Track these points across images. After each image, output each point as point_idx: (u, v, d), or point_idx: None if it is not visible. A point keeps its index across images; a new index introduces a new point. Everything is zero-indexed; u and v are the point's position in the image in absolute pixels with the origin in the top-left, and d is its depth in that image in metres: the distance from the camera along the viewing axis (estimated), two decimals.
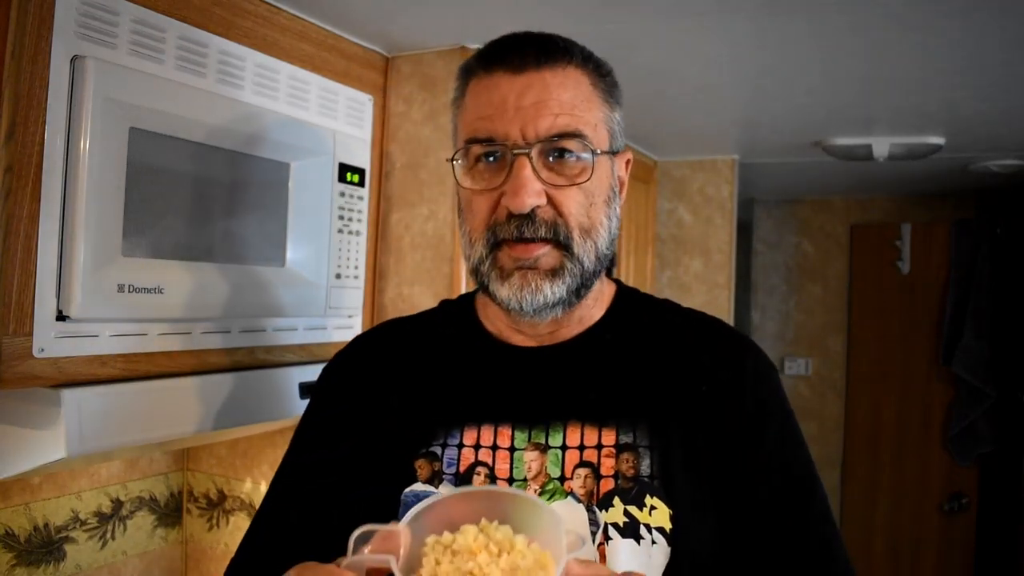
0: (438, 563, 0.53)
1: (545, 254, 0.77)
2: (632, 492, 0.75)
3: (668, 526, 0.74)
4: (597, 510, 0.74)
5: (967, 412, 3.17)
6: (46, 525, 1.26)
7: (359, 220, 1.32)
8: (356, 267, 1.32)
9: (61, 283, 0.88)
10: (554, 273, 0.77)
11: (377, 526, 0.54)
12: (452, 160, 0.81)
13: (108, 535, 1.37)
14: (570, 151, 0.77)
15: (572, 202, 0.77)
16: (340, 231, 1.28)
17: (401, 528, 0.55)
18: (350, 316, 1.32)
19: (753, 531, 0.77)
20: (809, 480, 0.81)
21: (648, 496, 0.74)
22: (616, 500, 0.74)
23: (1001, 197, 3.23)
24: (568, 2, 1.21)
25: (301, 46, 1.23)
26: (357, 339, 0.95)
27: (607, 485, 0.75)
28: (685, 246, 2.63)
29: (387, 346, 0.90)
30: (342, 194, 1.27)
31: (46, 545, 1.26)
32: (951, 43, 1.36)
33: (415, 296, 1.42)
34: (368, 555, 0.53)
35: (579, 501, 0.75)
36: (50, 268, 0.88)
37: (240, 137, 1.08)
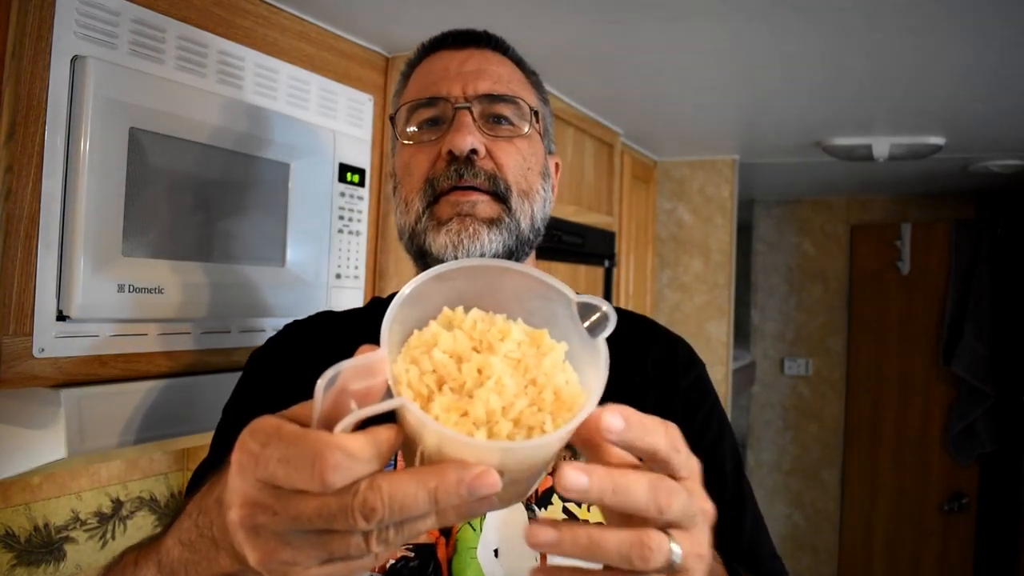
0: (431, 393, 0.41)
1: (483, 202, 0.78)
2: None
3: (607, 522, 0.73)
4: (536, 508, 0.72)
5: (967, 412, 3.17)
6: (46, 525, 1.26)
7: (359, 220, 1.32)
8: (356, 267, 1.32)
9: (61, 283, 0.88)
10: (491, 222, 0.77)
11: (345, 363, 0.39)
12: (392, 121, 0.83)
13: (108, 535, 1.37)
14: (506, 118, 0.81)
15: (510, 158, 0.80)
16: (340, 231, 1.28)
17: (382, 354, 0.40)
18: None
19: None
20: (736, 458, 0.84)
21: None
22: (555, 497, 0.72)
23: (1001, 197, 3.23)
24: (569, 2, 1.21)
25: (301, 46, 1.23)
26: (289, 326, 0.93)
27: (545, 482, 0.73)
28: (685, 246, 2.63)
29: (316, 335, 0.89)
30: (342, 194, 1.27)
31: (46, 545, 1.26)
32: (951, 43, 1.36)
33: None
34: (369, 408, 0.39)
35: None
36: (50, 268, 0.87)
37: (240, 137, 1.08)
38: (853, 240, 3.55)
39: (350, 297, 1.31)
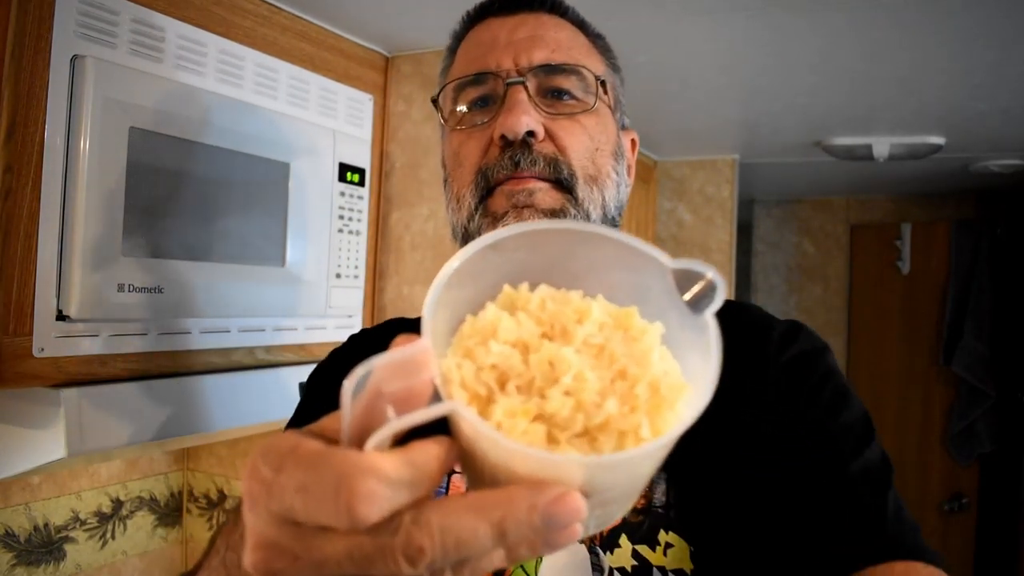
0: (491, 394, 0.32)
1: (543, 190, 0.67)
2: (642, 527, 0.61)
3: (688, 567, 0.59)
4: (600, 552, 0.61)
5: (967, 412, 3.17)
6: (46, 525, 1.25)
7: (359, 220, 1.32)
8: (356, 267, 1.32)
9: (61, 283, 0.88)
10: (554, 214, 0.67)
11: (378, 358, 0.31)
12: (436, 103, 0.73)
13: (108, 535, 1.37)
14: (568, 91, 0.69)
15: (574, 139, 0.69)
16: (340, 231, 1.28)
17: (426, 345, 0.31)
18: (350, 316, 1.32)
19: (805, 510, 0.60)
20: (865, 432, 0.66)
21: (662, 531, 0.61)
22: (623, 539, 0.61)
23: (1001, 197, 3.23)
24: (570, 1, 1.21)
25: (301, 46, 1.23)
26: (354, 336, 0.87)
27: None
28: (685, 246, 2.63)
29: (382, 345, 0.80)
30: (342, 194, 1.27)
31: (46, 545, 1.26)
32: (951, 43, 1.36)
33: (415, 296, 1.41)
34: (411, 416, 0.30)
35: (579, 541, 0.58)
36: (50, 268, 0.87)
37: (240, 137, 1.08)
38: (853, 240, 3.55)
39: (350, 297, 1.31)
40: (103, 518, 1.36)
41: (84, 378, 0.93)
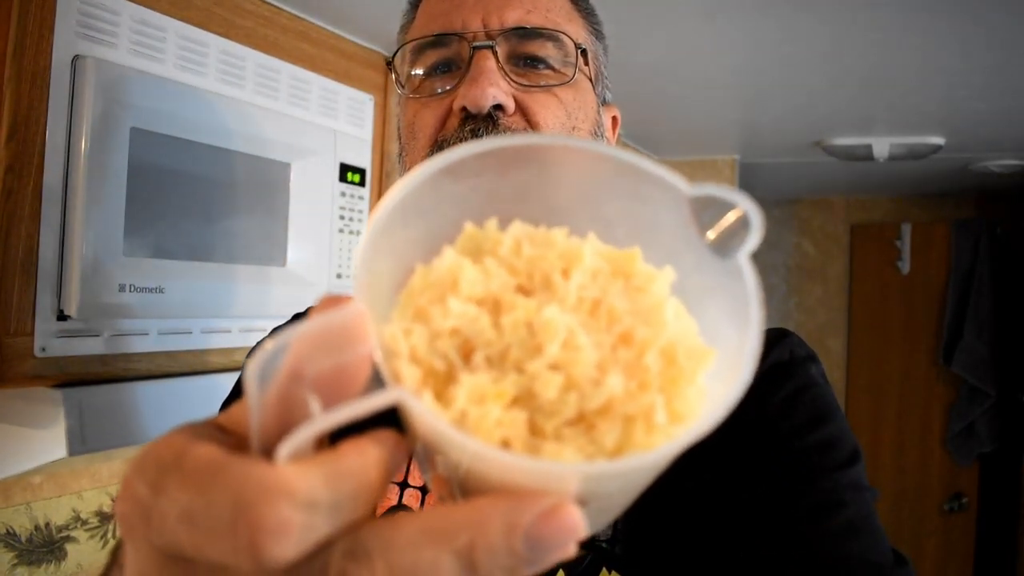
0: (451, 370, 0.24)
1: None
2: (582, 564, 0.53)
3: None
4: None
5: (967, 412, 3.17)
6: (47, 524, 1.26)
7: (360, 220, 1.32)
8: None
9: (62, 283, 0.88)
10: None
11: (296, 328, 0.22)
12: (391, 65, 0.65)
13: (109, 535, 1.37)
14: (544, 61, 0.61)
15: (549, 114, 0.60)
16: (341, 231, 1.28)
17: (358, 306, 0.23)
18: None
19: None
20: (839, 450, 0.55)
21: (604, 570, 0.53)
22: (559, 574, 0.55)
23: (1001, 197, 3.23)
24: None
25: (302, 46, 1.23)
26: (299, 316, 0.82)
27: None
28: None
29: None
30: (343, 194, 1.28)
31: (47, 544, 1.26)
32: (951, 43, 1.36)
33: None
34: (342, 410, 0.22)
35: None
36: (51, 268, 0.88)
37: (241, 137, 1.08)
38: (853, 240, 3.55)
39: None
40: (104, 518, 1.36)
41: (85, 378, 0.93)
